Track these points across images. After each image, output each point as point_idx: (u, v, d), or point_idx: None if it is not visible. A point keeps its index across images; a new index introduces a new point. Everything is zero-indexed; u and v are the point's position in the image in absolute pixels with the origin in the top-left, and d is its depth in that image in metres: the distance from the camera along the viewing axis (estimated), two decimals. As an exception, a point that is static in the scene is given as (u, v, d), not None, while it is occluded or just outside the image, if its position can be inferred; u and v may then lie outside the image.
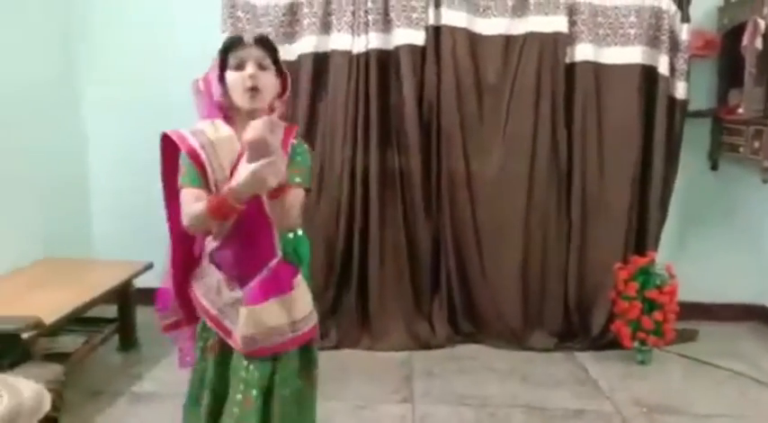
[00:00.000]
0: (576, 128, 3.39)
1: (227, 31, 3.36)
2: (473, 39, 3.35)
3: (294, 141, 1.71)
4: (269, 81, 1.67)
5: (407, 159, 3.39)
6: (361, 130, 3.36)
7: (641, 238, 3.46)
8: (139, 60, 3.74)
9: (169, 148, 1.72)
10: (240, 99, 1.65)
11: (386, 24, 3.33)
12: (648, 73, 3.38)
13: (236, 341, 1.71)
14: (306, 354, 1.82)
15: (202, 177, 1.64)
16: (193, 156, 1.64)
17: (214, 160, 1.64)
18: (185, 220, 1.63)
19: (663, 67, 3.33)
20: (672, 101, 3.36)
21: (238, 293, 1.71)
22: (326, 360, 3.16)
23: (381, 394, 2.90)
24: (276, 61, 1.70)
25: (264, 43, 1.68)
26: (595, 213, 3.44)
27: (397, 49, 3.31)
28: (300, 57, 3.35)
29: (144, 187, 3.70)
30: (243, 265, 1.70)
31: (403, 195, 3.43)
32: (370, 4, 3.30)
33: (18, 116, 3.23)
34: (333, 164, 3.38)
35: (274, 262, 1.70)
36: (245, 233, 1.68)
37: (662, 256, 3.36)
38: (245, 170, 1.45)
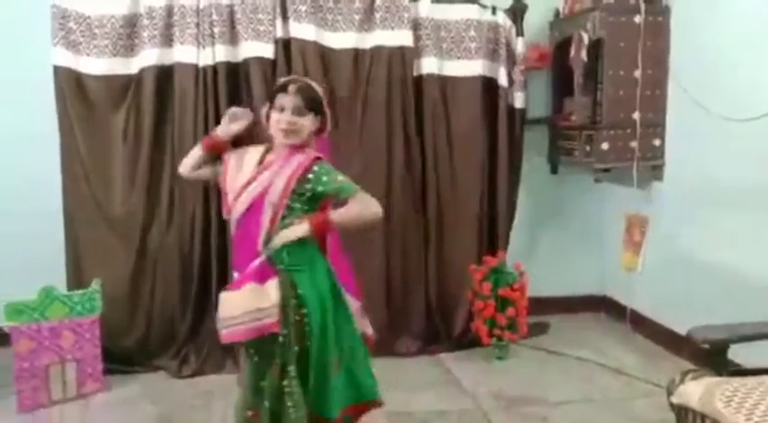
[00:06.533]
0: (428, 137, 3.51)
1: (58, 43, 3.14)
2: (323, 52, 3.38)
3: (315, 169, 1.99)
4: (304, 123, 2.01)
5: (265, 174, 3.33)
6: (212, 146, 3.25)
7: (493, 239, 3.64)
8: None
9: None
10: (276, 135, 2.03)
11: (233, 37, 3.27)
12: (489, 84, 3.58)
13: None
14: None
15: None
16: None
17: (235, 166, 2.09)
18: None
19: (502, 79, 3.55)
20: (511, 110, 3.58)
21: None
22: (187, 388, 3.08)
23: (246, 417, 2.79)
24: (314, 108, 2.04)
25: (304, 93, 2.02)
26: (450, 218, 3.58)
27: (246, 61, 3.26)
28: (142, 70, 3.19)
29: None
30: (241, 258, 2.05)
31: (262, 210, 3.36)
32: (215, 16, 3.21)
33: None
34: (183, 179, 3.23)
35: (259, 260, 1.97)
36: (243, 234, 2.04)
37: (513, 256, 3.56)
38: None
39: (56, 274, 3.15)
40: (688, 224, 3.31)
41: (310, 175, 1.98)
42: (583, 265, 4.07)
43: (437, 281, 3.58)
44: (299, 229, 1.96)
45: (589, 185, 3.93)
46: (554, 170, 3.99)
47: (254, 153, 2.08)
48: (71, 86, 3.17)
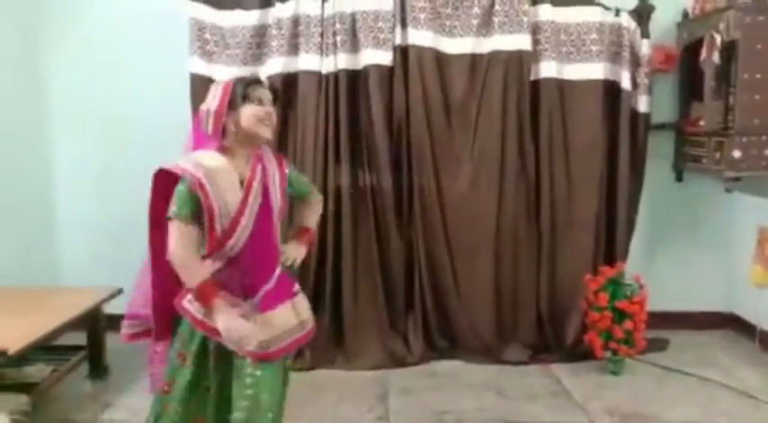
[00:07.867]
0: (543, 142, 3.45)
1: (195, 53, 3.38)
2: (440, 58, 3.40)
3: (286, 171, 2.02)
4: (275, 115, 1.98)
5: (378, 177, 3.41)
6: (331, 149, 3.38)
7: (610, 249, 3.52)
8: (108, 81, 3.72)
9: (161, 178, 1.91)
10: (258, 129, 1.89)
11: (354, 45, 3.37)
12: (611, 88, 3.46)
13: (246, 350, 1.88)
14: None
15: (199, 209, 1.82)
16: (199, 187, 1.80)
17: (216, 192, 1.82)
18: (175, 259, 1.81)
19: (625, 82, 3.42)
20: (635, 114, 3.44)
21: (244, 308, 1.89)
22: (300, 381, 3.18)
23: (356, 413, 2.88)
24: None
25: (273, 87, 2.00)
26: (564, 226, 3.49)
27: (366, 68, 3.35)
28: (269, 78, 3.36)
29: (113, 213, 3.71)
30: (249, 281, 1.91)
31: (375, 213, 3.44)
32: (338, 26, 3.33)
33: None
34: (303, 182, 3.39)
35: (277, 273, 1.95)
36: (253, 253, 1.89)
37: (632, 267, 3.42)
38: (223, 323, 1.81)
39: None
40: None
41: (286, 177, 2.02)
42: (708, 279, 3.83)
43: (549, 289, 3.51)
44: (302, 249, 2.13)
45: (717, 194, 3.71)
46: (679, 178, 3.79)
47: (223, 172, 1.84)
48: (204, 92, 3.37)
